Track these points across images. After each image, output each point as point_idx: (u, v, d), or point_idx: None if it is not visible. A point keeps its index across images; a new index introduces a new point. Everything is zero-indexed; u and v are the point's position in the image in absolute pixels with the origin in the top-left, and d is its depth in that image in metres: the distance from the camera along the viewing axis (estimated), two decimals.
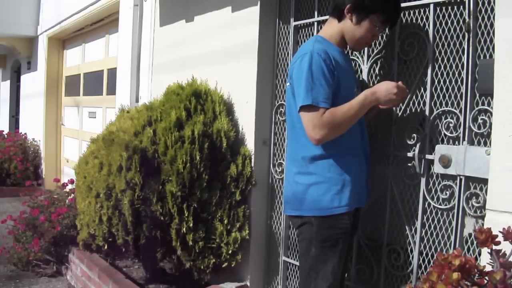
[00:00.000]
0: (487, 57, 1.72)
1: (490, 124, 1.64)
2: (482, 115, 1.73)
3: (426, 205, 1.94)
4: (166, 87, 2.97)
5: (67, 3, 5.89)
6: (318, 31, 2.43)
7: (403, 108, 2.04)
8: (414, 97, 2.00)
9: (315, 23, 2.45)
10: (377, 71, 2.16)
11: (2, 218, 3.87)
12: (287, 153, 1.95)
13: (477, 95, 1.76)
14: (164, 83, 3.10)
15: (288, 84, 1.83)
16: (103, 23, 5.44)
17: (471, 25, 1.75)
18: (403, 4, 1.97)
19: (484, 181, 1.68)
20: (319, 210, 1.73)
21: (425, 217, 1.94)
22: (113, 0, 4.54)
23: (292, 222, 2.05)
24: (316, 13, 2.45)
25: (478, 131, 1.74)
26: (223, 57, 2.91)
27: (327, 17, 2.36)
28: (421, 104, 1.97)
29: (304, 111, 1.68)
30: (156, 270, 3.03)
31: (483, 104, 1.74)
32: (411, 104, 2.02)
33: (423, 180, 1.92)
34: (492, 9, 1.69)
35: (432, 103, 1.93)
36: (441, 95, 1.92)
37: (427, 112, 1.92)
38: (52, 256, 3.57)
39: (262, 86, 2.67)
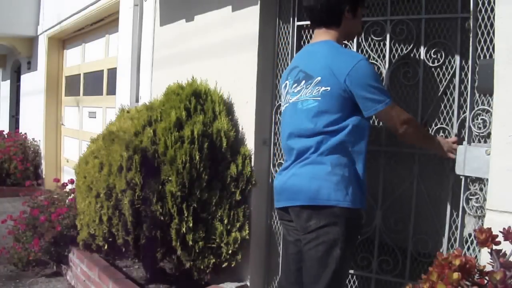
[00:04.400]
0: (487, 57, 1.72)
1: (490, 124, 1.64)
2: (482, 115, 1.73)
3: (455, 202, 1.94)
4: (166, 87, 2.97)
5: (67, 3, 5.89)
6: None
7: None
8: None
9: None
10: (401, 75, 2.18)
11: (2, 218, 3.86)
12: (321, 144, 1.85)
13: (477, 95, 1.76)
14: (164, 83, 3.10)
15: (325, 88, 1.73)
16: (103, 23, 5.44)
17: (471, 25, 1.75)
18: (433, 16, 2.05)
19: (484, 181, 1.68)
20: None
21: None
22: (113, 0, 4.54)
23: None
24: None
25: (478, 131, 1.74)
26: (223, 57, 2.91)
27: None
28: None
29: (389, 107, 1.70)
30: (156, 270, 3.03)
31: (483, 104, 1.74)
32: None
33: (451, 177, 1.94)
34: (492, 9, 1.69)
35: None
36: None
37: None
38: (52, 256, 3.57)
39: (262, 86, 2.67)
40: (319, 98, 1.72)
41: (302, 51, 1.96)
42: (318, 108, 1.72)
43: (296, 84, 1.82)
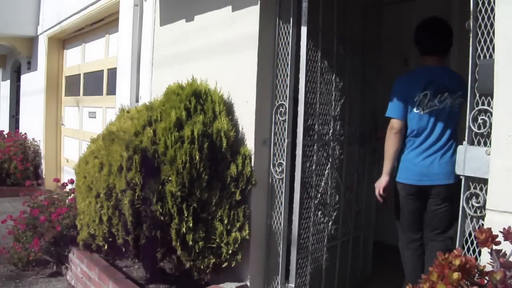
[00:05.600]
0: (487, 57, 1.72)
1: (490, 124, 1.64)
2: (482, 115, 1.73)
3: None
4: (166, 87, 2.96)
5: (67, 3, 5.89)
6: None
7: None
8: None
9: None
10: None
11: (2, 218, 3.86)
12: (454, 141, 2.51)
13: (477, 95, 1.76)
14: (164, 83, 3.10)
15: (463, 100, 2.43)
16: (103, 23, 5.44)
17: (471, 25, 1.75)
18: None
19: (484, 181, 1.68)
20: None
21: None
22: (113, 0, 4.54)
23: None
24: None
25: (478, 131, 1.74)
26: (223, 56, 2.91)
27: None
28: None
29: None
30: (156, 270, 3.03)
31: (483, 104, 1.74)
32: None
33: None
34: (492, 9, 1.69)
35: None
36: None
37: None
38: (52, 256, 3.57)
39: (262, 86, 2.67)
40: (458, 106, 2.47)
41: (430, 70, 2.53)
42: (459, 114, 2.48)
43: (440, 95, 2.46)
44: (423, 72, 2.56)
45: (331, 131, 2.74)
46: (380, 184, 2.60)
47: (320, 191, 2.69)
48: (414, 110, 2.50)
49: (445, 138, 2.48)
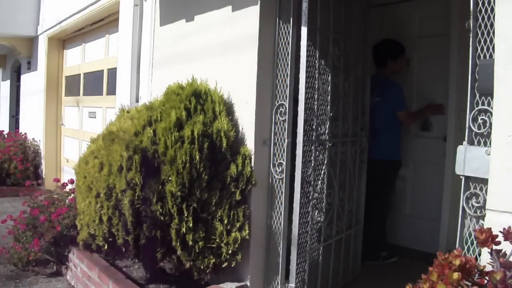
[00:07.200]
0: (487, 57, 1.72)
1: (490, 124, 1.64)
2: (482, 115, 1.73)
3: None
4: (166, 87, 2.96)
5: (67, 3, 5.89)
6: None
7: None
8: None
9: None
10: None
11: (2, 218, 3.86)
12: (383, 129, 3.51)
13: (477, 95, 1.76)
14: (164, 83, 3.10)
15: (378, 99, 3.49)
16: (103, 23, 5.45)
17: (471, 25, 1.75)
18: None
19: (484, 181, 1.68)
20: None
21: None
22: (113, 0, 4.54)
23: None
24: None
25: (478, 131, 1.74)
26: (223, 56, 2.91)
27: None
28: None
29: (403, 112, 3.50)
30: (156, 270, 3.03)
31: (483, 104, 1.74)
32: None
33: None
34: (492, 9, 1.69)
35: None
36: None
37: None
38: (52, 256, 3.57)
39: (262, 86, 2.67)
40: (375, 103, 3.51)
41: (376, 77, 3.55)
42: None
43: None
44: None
45: (327, 130, 2.74)
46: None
47: (317, 190, 2.70)
48: None
49: (385, 127, 3.56)
